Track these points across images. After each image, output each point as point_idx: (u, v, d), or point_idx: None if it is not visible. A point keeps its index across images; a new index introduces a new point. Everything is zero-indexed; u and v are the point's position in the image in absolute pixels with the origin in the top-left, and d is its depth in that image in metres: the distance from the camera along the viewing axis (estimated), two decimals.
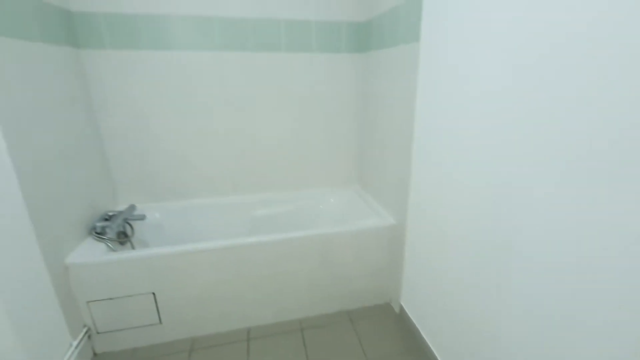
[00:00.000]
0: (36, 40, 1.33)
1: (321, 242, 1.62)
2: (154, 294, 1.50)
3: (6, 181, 1.11)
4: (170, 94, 1.82)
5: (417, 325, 1.57)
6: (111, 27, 1.66)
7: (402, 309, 1.70)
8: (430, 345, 1.45)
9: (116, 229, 1.63)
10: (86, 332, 1.47)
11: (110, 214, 1.68)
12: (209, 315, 1.60)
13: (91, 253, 1.46)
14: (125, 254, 1.45)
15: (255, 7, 1.77)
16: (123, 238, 1.70)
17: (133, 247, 1.75)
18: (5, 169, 1.11)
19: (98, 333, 1.51)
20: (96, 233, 1.57)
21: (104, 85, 1.73)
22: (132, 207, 1.76)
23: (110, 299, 1.46)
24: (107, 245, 1.56)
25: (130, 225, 1.75)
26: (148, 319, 1.54)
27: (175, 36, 1.73)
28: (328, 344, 1.56)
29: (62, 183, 1.42)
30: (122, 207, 1.85)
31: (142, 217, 1.75)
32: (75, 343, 1.39)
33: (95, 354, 1.53)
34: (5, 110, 1.11)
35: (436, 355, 1.41)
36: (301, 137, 2.08)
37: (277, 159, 2.09)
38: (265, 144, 2.04)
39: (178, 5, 1.69)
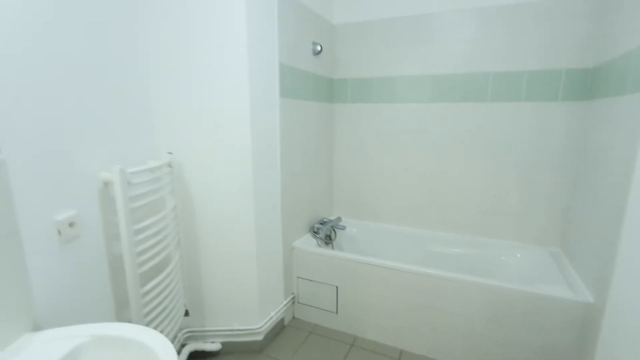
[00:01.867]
0: (309, 100, 2.09)
1: (488, 293, 1.56)
2: (337, 287, 1.93)
3: (274, 187, 1.83)
4: (385, 136, 2.28)
5: None
6: (353, 87, 2.31)
7: None
8: None
9: (325, 232, 2.21)
10: (292, 299, 2.08)
11: (324, 220, 2.28)
12: (371, 322, 1.87)
13: (308, 244, 2.07)
14: (327, 251, 1.97)
15: (465, 63, 1.97)
16: (328, 240, 2.26)
17: (333, 248, 2.28)
18: (276, 180, 1.83)
19: (299, 302, 2.09)
20: (313, 231, 2.19)
21: (342, 128, 2.40)
22: (338, 219, 2.31)
23: (310, 280, 2.01)
24: (318, 242, 2.15)
25: (335, 231, 2.30)
26: (329, 306, 1.98)
27: (395, 92, 2.19)
28: None
29: (302, 192, 2.11)
30: (332, 217, 2.46)
31: (343, 228, 2.27)
32: (285, 302, 2.01)
33: (293, 317, 2.12)
34: (286, 142, 1.85)
35: None
36: (495, 185, 2.03)
37: (466, 202, 2.13)
38: (456, 187, 2.14)
39: (399, 69, 2.14)
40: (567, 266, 1.72)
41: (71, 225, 0.99)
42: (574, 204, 1.80)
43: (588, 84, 1.74)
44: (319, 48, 2.06)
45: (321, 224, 2.24)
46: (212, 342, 1.75)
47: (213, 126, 1.54)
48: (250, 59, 1.48)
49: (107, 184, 1.13)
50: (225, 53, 1.46)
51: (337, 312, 1.97)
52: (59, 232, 0.95)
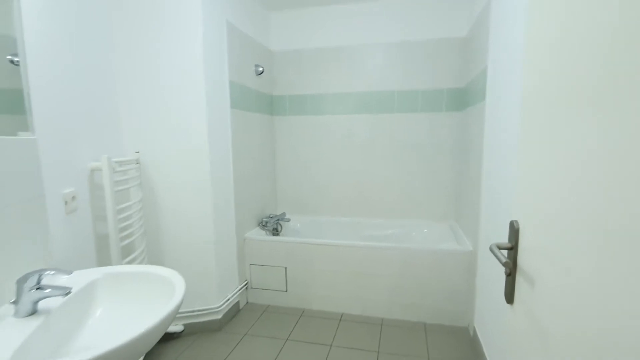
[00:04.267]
0: (255, 112, 2.46)
1: (402, 254, 2.04)
2: (285, 268, 2.27)
3: (228, 185, 2.13)
4: (319, 142, 2.73)
5: (485, 352, 1.69)
6: (291, 102, 2.75)
7: (475, 333, 1.85)
8: None
9: (273, 225, 2.54)
10: (245, 284, 2.35)
11: (271, 215, 2.62)
12: (317, 295, 2.23)
13: (258, 234, 2.38)
14: (274, 238, 2.31)
15: (377, 84, 2.54)
16: (275, 232, 2.60)
17: None
18: (230, 179, 2.14)
19: (252, 287, 2.37)
20: (262, 224, 2.51)
21: (282, 136, 2.81)
22: (283, 214, 2.67)
23: (262, 265, 2.31)
24: (266, 233, 2.47)
25: (280, 225, 2.65)
26: (279, 286, 2.30)
27: (325, 106, 2.67)
28: (399, 343, 1.90)
29: (251, 191, 2.43)
30: (278, 212, 2.81)
31: (288, 220, 2.63)
32: (239, 287, 2.27)
33: (247, 302, 2.38)
34: (236, 146, 2.17)
35: None
36: (406, 177, 2.59)
37: (386, 193, 2.65)
38: (377, 181, 2.66)
39: (328, 88, 2.64)
40: (459, 233, 2.28)
41: (73, 199, 1.20)
42: (461, 187, 2.41)
43: (462, 99, 2.39)
44: (260, 69, 2.46)
45: (269, 217, 2.57)
46: (175, 325, 1.95)
47: (175, 131, 1.83)
48: (206, 76, 1.82)
49: (93, 171, 1.36)
50: (186, 71, 1.78)
51: (286, 291, 2.29)
52: (66, 203, 1.16)
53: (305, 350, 1.84)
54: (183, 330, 1.96)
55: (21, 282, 0.83)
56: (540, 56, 0.68)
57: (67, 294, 0.86)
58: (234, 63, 2.13)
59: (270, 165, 2.78)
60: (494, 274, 1.57)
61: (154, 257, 1.93)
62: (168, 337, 1.93)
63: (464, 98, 2.35)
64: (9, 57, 1.10)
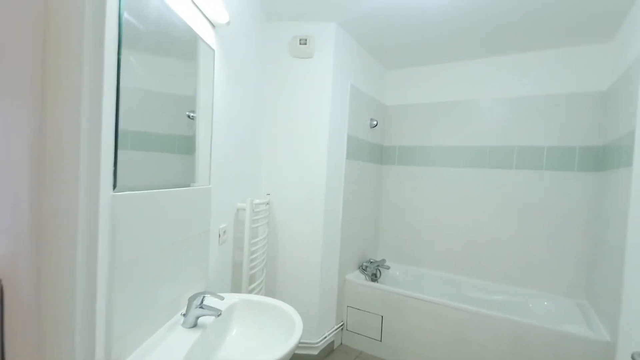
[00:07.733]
0: (365, 161, 2.64)
1: (515, 328, 1.85)
2: (382, 317, 2.28)
3: (336, 229, 2.31)
4: (426, 193, 2.74)
5: None
6: (400, 153, 2.85)
7: None
8: None
9: (372, 270, 2.60)
10: (341, 325, 2.43)
11: (371, 260, 2.68)
12: (411, 351, 2.16)
13: (357, 278, 2.47)
14: (374, 284, 2.36)
15: (493, 138, 2.45)
16: (374, 278, 2.64)
17: None
18: (338, 223, 2.32)
19: (347, 330, 2.43)
20: (362, 268, 2.60)
21: (389, 184, 2.91)
22: (383, 260, 2.70)
23: (358, 309, 2.37)
24: (365, 277, 2.54)
25: (380, 271, 2.68)
26: (374, 334, 2.31)
27: (434, 158, 2.69)
28: None
29: (355, 235, 2.57)
30: (378, 258, 2.85)
31: (388, 267, 2.65)
32: (335, 327, 2.36)
33: (341, 343, 2.45)
34: (347, 193, 2.36)
35: None
36: (524, 240, 2.36)
37: (498, 254, 2.45)
38: (489, 240, 2.49)
39: (438, 140, 2.66)
40: (591, 315, 1.95)
41: (224, 232, 1.53)
42: (596, 260, 2.08)
43: (600, 158, 2.12)
44: (374, 123, 2.66)
45: (369, 262, 2.64)
46: None
47: (299, 179, 2.11)
48: (330, 133, 2.09)
49: (238, 210, 1.69)
50: (314, 130, 2.08)
51: (381, 340, 2.29)
52: (219, 235, 1.49)
53: None
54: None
55: (191, 299, 1.11)
56: None
57: (218, 315, 1.09)
58: (353, 119, 2.37)
59: (375, 212, 2.89)
60: None
61: (270, 286, 2.19)
62: None
63: (601, 158, 2.09)
64: (187, 112, 1.46)
